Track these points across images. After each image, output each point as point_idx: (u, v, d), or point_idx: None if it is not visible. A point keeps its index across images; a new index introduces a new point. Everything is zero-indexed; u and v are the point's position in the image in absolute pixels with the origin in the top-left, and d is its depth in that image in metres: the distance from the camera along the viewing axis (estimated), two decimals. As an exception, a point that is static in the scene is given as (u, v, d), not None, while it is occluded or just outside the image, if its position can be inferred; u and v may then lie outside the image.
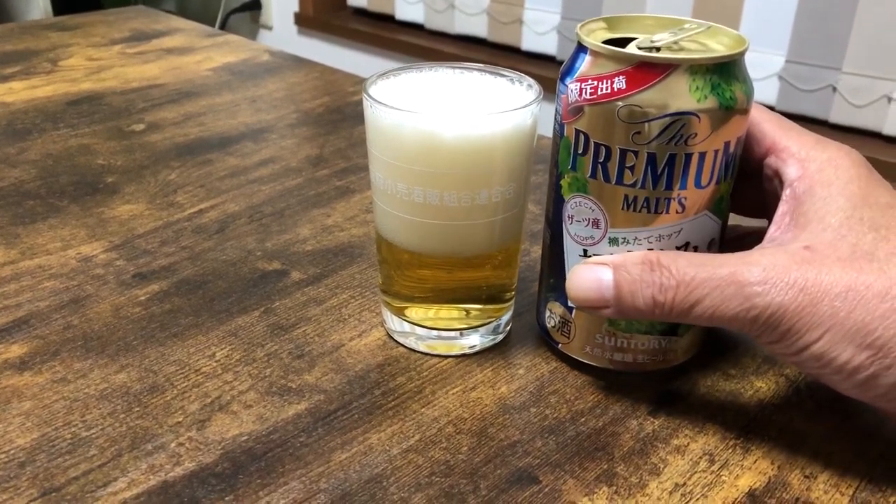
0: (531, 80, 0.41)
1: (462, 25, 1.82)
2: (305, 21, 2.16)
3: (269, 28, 2.28)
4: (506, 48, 1.74)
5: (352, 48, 2.06)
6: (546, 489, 0.35)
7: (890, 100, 1.29)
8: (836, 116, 1.35)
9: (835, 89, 1.34)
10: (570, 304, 0.40)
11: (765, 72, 1.43)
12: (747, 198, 0.40)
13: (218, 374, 0.41)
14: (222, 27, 2.22)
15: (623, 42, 0.37)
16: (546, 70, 1.59)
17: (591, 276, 0.36)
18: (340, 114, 0.76)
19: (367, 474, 0.35)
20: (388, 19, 2.01)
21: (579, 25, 0.38)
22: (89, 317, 0.46)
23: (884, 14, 1.26)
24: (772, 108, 1.45)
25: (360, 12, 2.09)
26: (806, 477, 0.36)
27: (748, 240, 0.40)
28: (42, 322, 0.45)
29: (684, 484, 0.35)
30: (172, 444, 0.37)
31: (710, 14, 1.43)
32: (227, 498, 0.34)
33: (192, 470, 0.35)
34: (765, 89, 1.43)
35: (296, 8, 2.17)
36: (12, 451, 0.36)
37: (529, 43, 1.67)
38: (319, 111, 0.77)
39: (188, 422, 0.38)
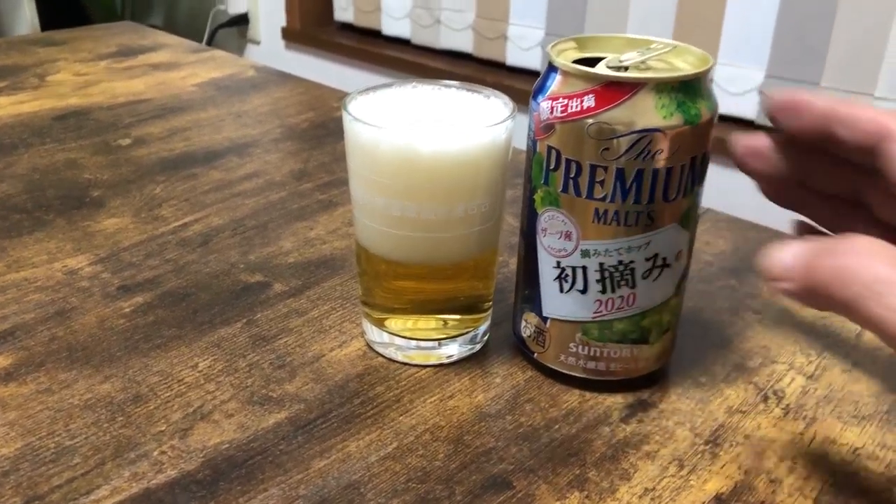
0: (506, 98, 0.42)
1: (448, 41, 1.84)
2: (292, 36, 2.18)
3: (257, 43, 2.29)
4: (491, 63, 1.76)
5: (338, 62, 2.07)
6: (520, 494, 0.36)
7: (867, 114, 1.32)
8: (815, 130, 1.38)
9: (813, 104, 1.37)
10: (544, 314, 0.41)
11: (745, 86, 1.45)
12: (834, 184, 0.36)
13: (200, 384, 0.42)
14: (210, 42, 2.23)
15: (593, 61, 0.38)
16: (530, 84, 1.61)
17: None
18: (325, 129, 0.78)
19: (346, 481, 0.36)
20: (374, 34, 2.03)
21: (550, 45, 0.39)
22: (74, 328, 0.46)
23: (859, 30, 1.29)
24: (752, 123, 1.46)
25: (347, 27, 2.10)
26: (771, 481, 0.37)
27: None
28: (27, 334, 0.46)
29: (654, 488, 0.36)
30: (155, 453, 0.38)
31: (691, 31, 1.46)
32: (208, 504, 0.35)
33: (174, 477, 0.36)
34: (746, 103, 1.45)
35: (283, 23, 2.18)
36: (-3, 460, 0.37)
37: (514, 58, 1.69)
38: (304, 126, 0.78)
39: (171, 430, 0.39)
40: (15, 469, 0.36)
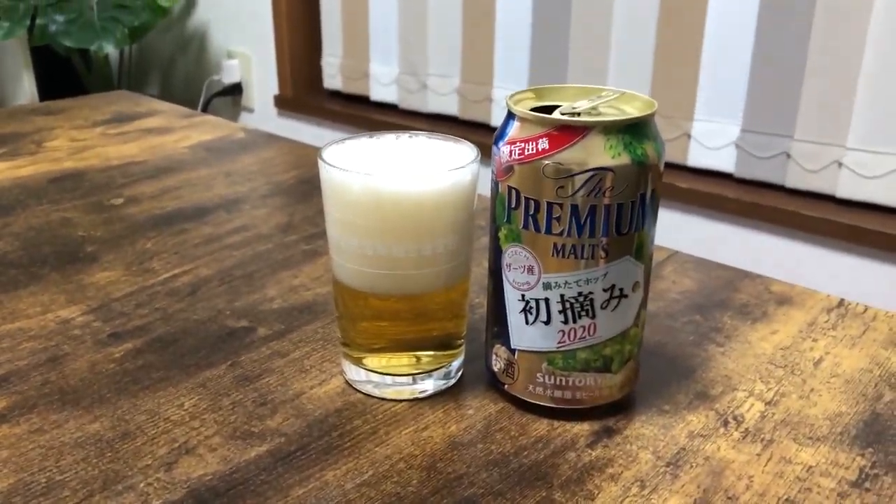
0: (471, 144, 0.45)
1: (434, 104, 1.89)
2: (285, 103, 2.24)
3: (251, 111, 2.35)
4: (476, 124, 1.81)
5: (329, 128, 2.13)
6: (488, 515, 0.38)
7: (840, 165, 1.36)
8: (792, 181, 1.41)
9: (788, 156, 1.41)
10: (513, 346, 0.44)
11: (723, 141, 1.50)
12: None
13: (186, 421, 0.44)
14: (204, 110, 2.29)
15: (549, 109, 0.42)
16: (515, 144, 1.65)
17: None
18: (310, 184, 0.81)
19: (323, 506, 0.38)
20: (363, 101, 2.09)
21: (508, 95, 0.43)
22: (66, 373, 0.48)
23: (829, 83, 1.34)
24: (730, 176, 1.50)
25: (336, 94, 2.17)
26: (729, 498, 0.39)
27: None
28: (21, 379, 0.48)
29: (616, 507, 0.38)
30: (141, 485, 0.39)
31: (668, 88, 1.51)
32: (190, 531, 0.37)
33: (159, 507, 0.38)
34: (724, 157, 1.50)
35: (275, 91, 2.25)
36: (-10, 495, 0.39)
37: (498, 119, 1.74)
38: (290, 182, 0.82)
39: (156, 464, 0.41)
40: (7, 503, 0.38)
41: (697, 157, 1.52)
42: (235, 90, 2.33)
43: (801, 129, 1.39)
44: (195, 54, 2.41)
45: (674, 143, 1.52)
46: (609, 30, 1.55)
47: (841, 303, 0.57)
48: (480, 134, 1.77)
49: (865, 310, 0.56)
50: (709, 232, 1.50)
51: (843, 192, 1.37)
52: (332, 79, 2.14)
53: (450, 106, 1.87)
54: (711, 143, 1.51)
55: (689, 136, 1.52)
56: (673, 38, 1.49)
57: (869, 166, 1.34)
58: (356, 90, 2.08)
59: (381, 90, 2.02)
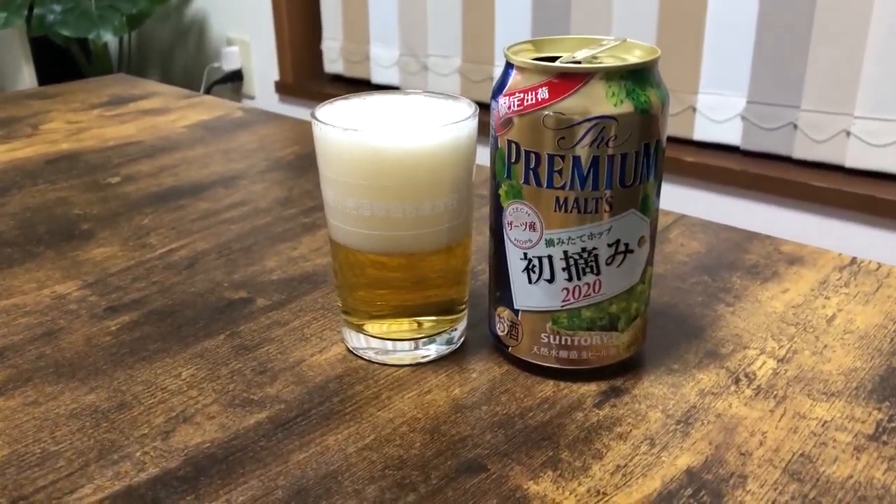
0: (468, 100, 0.44)
1: (435, 85, 1.88)
2: (285, 89, 2.22)
3: (252, 97, 2.34)
4: (478, 104, 1.80)
5: (331, 112, 2.12)
6: (494, 476, 0.36)
7: (848, 134, 1.34)
8: (799, 152, 1.39)
9: (795, 126, 1.39)
10: (516, 307, 0.43)
11: (728, 113, 1.48)
12: None
13: (183, 390, 0.43)
14: (205, 98, 2.27)
15: (549, 61, 0.40)
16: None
17: None
18: (309, 159, 0.79)
19: (324, 471, 0.37)
20: (364, 83, 2.07)
21: (507, 47, 0.41)
22: (61, 346, 0.47)
23: (835, 52, 1.32)
24: (737, 148, 1.49)
25: (338, 78, 2.15)
26: (741, 454, 0.38)
27: None
28: (16, 353, 0.47)
29: (625, 465, 0.37)
30: (138, 454, 0.38)
31: (672, 62, 1.49)
32: (188, 498, 0.36)
33: (156, 475, 0.37)
34: (729, 130, 1.48)
35: (276, 77, 2.23)
36: (-17, 467, 0.38)
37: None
38: (289, 158, 0.80)
39: (153, 433, 0.40)
40: (1, 474, 0.37)
41: (703, 131, 1.50)
42: (236, 77, 2.32)
43: (807, 99, 1.37)
44: (194, 42, 2.39)
45: (679, 118, 1.51)
46: (611, 5, 1.53)
47: (853, 261, 0.56)
48: (482, 113, 1.75)
49: (879, 267, 0.55)
50: (716, 206, 1.48)
51: (851, 161, 1.35)
52: (333, 63, 2.12)
53: (451, 86, 1.86)
54: (717, 115, 1.49)
55: (694, 110, 1.50)
56: (676, 11, 1.47)
57: (878, 134, 1.32)
58: (357, 74, 2.07)
59: (383, 73, 2.01)
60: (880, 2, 1.25)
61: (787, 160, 1.42)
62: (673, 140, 1.47)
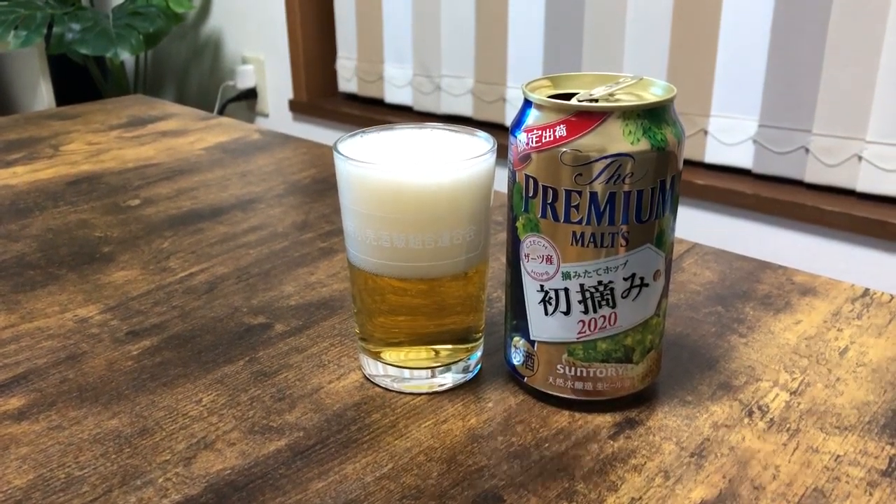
0: (487, 135, 0.45)
1: (448, 106, 1.89)
2: (299, 107, 2.25)
3: (266, 115, 2.36)
4: (490, 125, 1.81)
5: (344, 131, 2.13)
6: (510, 507, 0.37)
7: (860, 158, 1.34)
8: (811, 176, 1.40)
9: (807, 150, 1.39)
10: (532, 337, 0.43)
11: (740, 136, 1.49)
12: None
13: (204, 416, 0.44)
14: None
15: (566, 98, 0.41)
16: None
17: None
18: (326, 183, 0.81)
19: (342, 500, 0.38)
20: (378, 103, 2.09)
21: (525, 83, 0.42)
22: (84, 371, 0.48)
23: (847, 76, 1.32)
24: (748, 171, 1.49)
25: (351, 97, 2.17)
26: (755, 488, 0.38)
27: None
28: (39, 377, 0.48)
29: (640, 498, 0.37)
30: (160, 480, 0.39)
31: (683, 85, 1.50)
32: (210, 525, 0.36)
33: (178, 501, 0.38)
34: (741, 153, 1.48)
35: (290, 95, 2.25)
36: (9, 492, 0.38)
37: (512, 119, 1.74)
38: (306, 182, 0.82)
39: (175, 459, 0.41)
40: (27, 498, 0.38)
41: (714, 154, 1.51)
42: (250, 95, 2.34)
43: (819, 124, 1.38)
44: (210, 60, 2.42)
45: (690, 140, 1.51)
46: (623, 27, 1.54)
47: (866, 292, 0.56)
48: (495, 134, 1.76)
49: (891, 299, 0.55)
50: (728, 229, 1.49)
51: (863, 186, 1.36)
52: (347, 82, 2.14)
53: (464, 107, 1.87)
54: (728, 139, 1.50)
55: (705, 133, 1.51)
56: (688, 33, 1.48)
57: (890, 159, 1.32)
58: (371, 93, 2.09)
59: (396, 92, 2.02)
60: (893, 26, 1.26)
61: (798, 184, 1.43)
62: (684, 163, 1.48)
